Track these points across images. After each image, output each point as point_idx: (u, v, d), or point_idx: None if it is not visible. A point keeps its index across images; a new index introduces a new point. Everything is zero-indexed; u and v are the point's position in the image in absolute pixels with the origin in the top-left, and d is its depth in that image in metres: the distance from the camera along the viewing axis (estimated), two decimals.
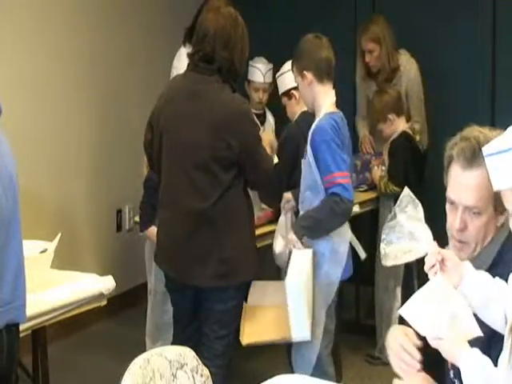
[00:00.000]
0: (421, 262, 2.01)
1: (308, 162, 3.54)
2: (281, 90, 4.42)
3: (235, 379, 3.76)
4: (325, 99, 3.57)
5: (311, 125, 3.56)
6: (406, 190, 2.06)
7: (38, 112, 4.87)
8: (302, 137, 3.68)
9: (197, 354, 2.39)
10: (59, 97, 5.02)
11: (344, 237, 3.62)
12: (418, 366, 2.06)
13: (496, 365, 1.81)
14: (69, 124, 5.11)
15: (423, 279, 2.08)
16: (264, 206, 4.25)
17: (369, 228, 5.05)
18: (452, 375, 2.08)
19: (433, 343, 1.88)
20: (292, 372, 3.42)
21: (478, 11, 5.49)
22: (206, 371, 2.36)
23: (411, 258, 2.00)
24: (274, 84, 5.01)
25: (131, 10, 5.57)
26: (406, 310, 1.91)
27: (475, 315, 1.88)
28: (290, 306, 3.34)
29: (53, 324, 3.30)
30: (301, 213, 3.67)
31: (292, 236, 3.52)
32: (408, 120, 4.96)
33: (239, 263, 3.35)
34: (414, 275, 4.54)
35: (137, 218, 4.52)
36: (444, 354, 1.88)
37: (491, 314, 1.88)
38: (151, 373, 2.22)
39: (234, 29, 3.31)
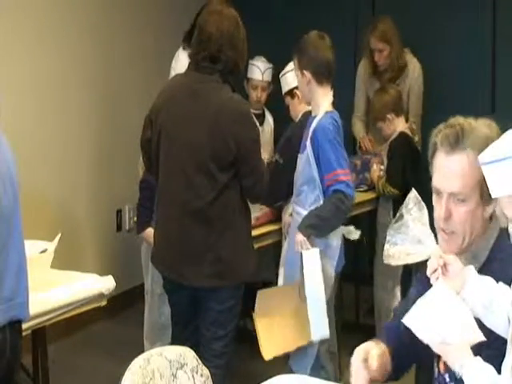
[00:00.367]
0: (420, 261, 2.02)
1: (307, 157, 3.58)
2: (284, 90, 4.44)
3: (235, 379, 3.76)
4: (323, 99, 3.62)
5: None
6: (413, 192, 2.04)
7: (37, 112, 4.87)
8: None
9: (196, 355, 2.39)
10: (59, 97, 5.02)
11: (336, 231, 3.66)
12: None
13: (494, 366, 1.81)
14: (69, 124, 5.11)
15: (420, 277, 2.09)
16: (262, 206, 4.26)
17: (368, 228, 5.06)
18: (448, 379, 2.08)
19: (438, 348, 1.87)
20: (292, 372, 3.42)
21: (478, 10, 5.50)
22: (206, 371, 2.36)
23: (414, 260, 1.99)
24: (273, 84, 5.03)
25: (131, 11, 5.57)
26: (409, 319, 1.88)
27: (476, 319, 1.87)
28: (309, 306, 3.40)
29: (53, 324, 3.30)
30: (295, 206, 3.72)
31: (299, 236, 3.55)
32: (407, 119, 4.98)
33: (236, 263, 3.35)
34: (412, 274, 4.55)
35: None
36: (447, 359, 1.86)
37: (494, 318, 1.87)
38: (151, 373, 2.22)
39: (236, 30, 3.33)
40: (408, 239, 1.96)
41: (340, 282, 3.96)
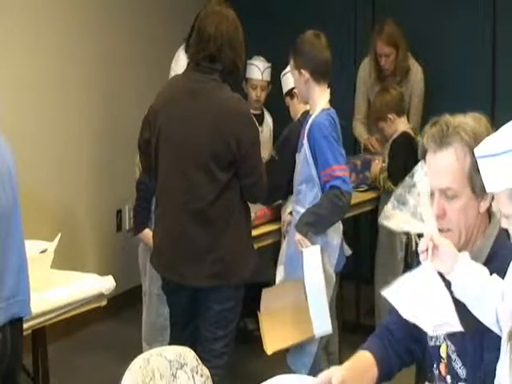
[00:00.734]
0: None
1: (304, 155, 3.59)
2: (284, 90, 4.44)
3: (235, 379, 3.76)
4: (320, 97, 3.66)
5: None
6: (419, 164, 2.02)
7: (37, 112, 4.87)
8: None
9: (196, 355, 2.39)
10: (59, 97, 5.02)
11: (337, 229, 3.67)
12: None
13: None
14: (69, 124, 5.11)
15: None
16: (262, 206, 4.26)
17: (369, 228, 5.06)
18: (450, 381, 2.08)
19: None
20: (292, 371, 3.43)
21: (478, 10, 5.50)
22: (206, 371, 2.36)
23: (408, 229, 1.97)
24: (271, 84, 5.03)
25: (132, 11, 5.57)
26: (390, 292, 1.92)
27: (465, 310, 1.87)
28: (310, 303, 3.42)
29: (53, 324, 3.30)
30: (294, 206, 3.73)
31: (297, 236, 3.56)
32: (409, 121, 4.98)
33: (236, 263, 3.35)
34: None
35: None
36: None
37: (482, 307, 1.85)
38: (151, 373, 2.22)
39: (235, 30, 3.34)
40: (411, 210, 1.94)
41: (340, 281, 3.96)
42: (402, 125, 4.80)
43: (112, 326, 5.18)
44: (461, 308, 1.87)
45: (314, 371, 3.44)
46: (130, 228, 5.51)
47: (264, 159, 3.68)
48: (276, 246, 4.29)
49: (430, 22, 5.61)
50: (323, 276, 3.53)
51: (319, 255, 3.55)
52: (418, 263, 1.95)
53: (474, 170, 1.78)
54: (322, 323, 3.50)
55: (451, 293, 1.88)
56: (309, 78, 3.63)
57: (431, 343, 2.14)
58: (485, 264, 1.98)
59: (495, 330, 1.85)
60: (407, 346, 2.23)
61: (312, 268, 3.51)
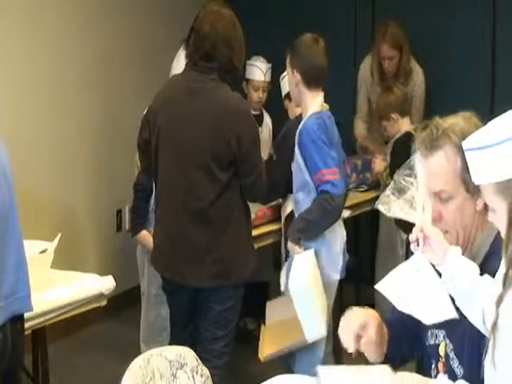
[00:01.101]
0: None
1: (297, 162, 3.59)
2: (283, 92, 4.43)
3: (235, 379, 3.76)
4: (311, 102, 3.63)
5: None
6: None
7: (37, 112, 4.87)
8: None
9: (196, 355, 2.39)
10: (58, 97, 5.02)
11: (338, 234, 3.65)
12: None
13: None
14: (68, 124, 5.11)
15: None
16: (262, 206, 4.25)
17: (369, 228, 5.06)
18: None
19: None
20: (292, 372, 3.42)
21: (478, 10, 5.50)
22: (206, 371, 2.36)
23: (402, 217, 1.98)
24: (271, 85, 5.02)
25: (131, 11, 5.57)
26: (383, 284, 1.95)
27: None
28: (296, 308, 3.37)
29: (53, 324, 3.30)
30: (295, 213, 3.71)
31: (289, 244, 3.56)
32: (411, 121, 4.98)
33: (236, 263, 3.35)
34: None
35: None
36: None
37: (469, 302, 1.85)
38: (151, 373, 2.22)
39: (232, 29, 3.34)
40: (407, 198, 1.95)
41: (340, 282, 3.95)
42: (405, 125, 4.80)
43: (112, 325, 5.18)
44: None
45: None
46: (130, 228, 5.52)
47: (263, 159, 3.67)
48: (276, 247, 4.29)
49: (430, 22, 5.61)
50: (313, 280, 3.46)
51: (312, 260, 3.52)
52: (412, 253, 1.96)
53: (466, 169, 1.79)
54: (312, 327, 3.44)
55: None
56: (299, 80, 3.62)
57: (431, 342, 2.14)
58: (483, 263, 1.99)
59: (482, 330, 1.84)
60: (407, 343, 2.24)
61: (297, 273, 3.45)
